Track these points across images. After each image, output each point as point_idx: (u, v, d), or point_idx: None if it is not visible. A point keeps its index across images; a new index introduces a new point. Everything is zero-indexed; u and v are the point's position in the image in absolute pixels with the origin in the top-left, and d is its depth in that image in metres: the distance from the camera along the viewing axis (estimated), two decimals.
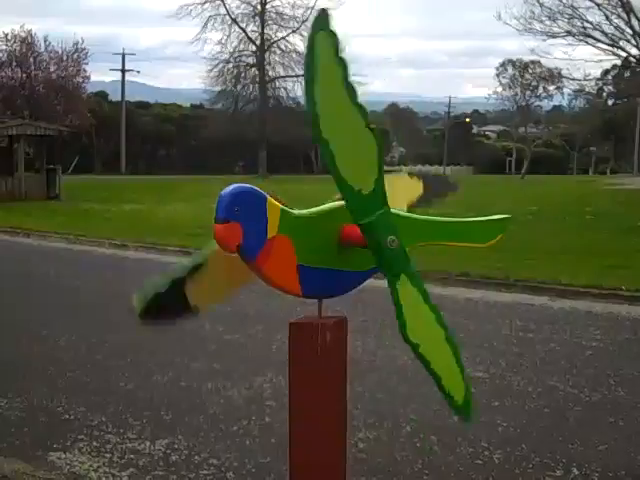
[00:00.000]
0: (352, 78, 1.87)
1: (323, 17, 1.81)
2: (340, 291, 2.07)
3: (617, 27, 25.13)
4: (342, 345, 2.02)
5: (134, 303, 2.19)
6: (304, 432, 1.94)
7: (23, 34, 34.82)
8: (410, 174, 2.49)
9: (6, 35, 34.78)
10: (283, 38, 49.67)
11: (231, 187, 1.87)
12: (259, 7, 48.78)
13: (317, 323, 1.99)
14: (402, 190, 2.34)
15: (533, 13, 25.72)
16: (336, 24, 1.85)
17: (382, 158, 1.93)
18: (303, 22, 48.65)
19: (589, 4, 24.90)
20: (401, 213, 2.11)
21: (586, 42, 25.87)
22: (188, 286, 2.13)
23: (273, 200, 1.93)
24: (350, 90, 1.85)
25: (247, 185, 1.91)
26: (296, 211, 1.99)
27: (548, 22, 25.67)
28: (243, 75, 50.12)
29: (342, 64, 1.83)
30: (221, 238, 1.83)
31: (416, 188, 2.43)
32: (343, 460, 1.97)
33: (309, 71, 1.80)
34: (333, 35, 1.82)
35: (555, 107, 64.27)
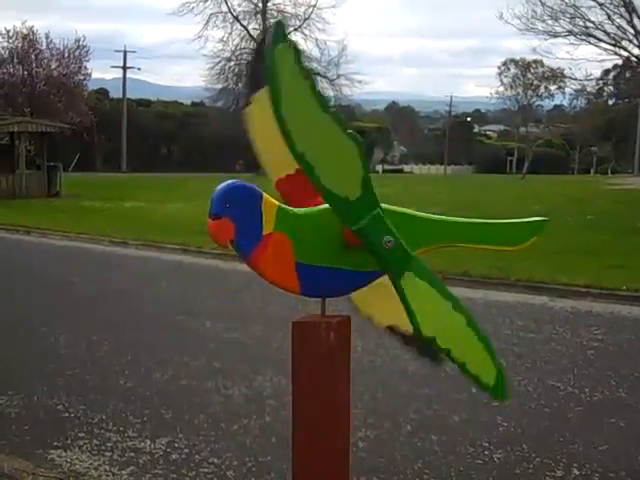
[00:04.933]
0: (319, 88, 1.82)
1: (279, 30, 1.76)
2: (342, 291, 2.05)
3: (619, 27, 25.09)
4: (346, 344, 2.01)
5: None
6: (308, 432, 1.93)
7: (25, 31, 34.82)
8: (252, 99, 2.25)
9: (8, 32, 34.78)
10: None
11: (224, 183, 1.89)
12: (261, 5, 48.80)
13: (321, 322, 1.98)
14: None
15: (535, 12, 25.66)
16: (289, 36, 1.80)
17: (365, 161, 1.87)
18: (305, 20, 48.70)
19: (591, 3, 24.86)
20: (425, 215, 2.07)
21: (588, 42, 25.82)
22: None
23: (270, 197, 1.93)
24: (319, 100, 1.80)
25: (240, 181, 1.91)
26: (297, 209, 1.99)
27: (550, 21, 25.62)
28: (245, 73, 50.14)
29: (305, 75, 1.78)
30: (212, 234, 1.86)
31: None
32: (346, 460, 1.96)
33: (273, 90, 1.76)
34: (291, 48, 1.77)
35: (556, 106, 64.28)
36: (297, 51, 1.78)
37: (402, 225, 1.97)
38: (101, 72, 59.21)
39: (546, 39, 26.20)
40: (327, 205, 2.04)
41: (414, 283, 1.92)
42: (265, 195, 1.92)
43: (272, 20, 48.68)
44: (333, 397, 1.95)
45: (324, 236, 1.95)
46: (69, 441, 4.53)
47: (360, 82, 49.64)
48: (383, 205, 2.03)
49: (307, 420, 1.95)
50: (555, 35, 25.76)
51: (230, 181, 1.91)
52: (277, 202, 1.94)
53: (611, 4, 24.72)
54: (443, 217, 2.08)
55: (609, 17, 25.01)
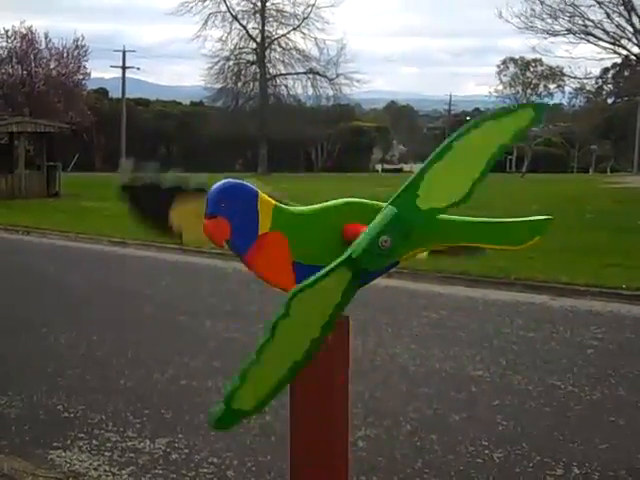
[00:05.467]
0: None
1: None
2: None
3: (618, 25, 25.13)
4: (344, 344, 2.00)
5: (120, 174, 2.10)
6: (305, 433, 1.93)
7: (23, 30, 34.80)
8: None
9: (6, 32, 34.77)
10: (284, 35, 49.74)
11: (219, 182, 1.88)
12: (259, 4, 48.81)
13: None
14: None
15: (534, 11, 25.71)
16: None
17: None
18: (304, 19, 48.73)
19: (590, 2, 24.90)
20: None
21: (587, 40, 25.88)
22: (177, 204, 2.06)
23: (266, 196, 1.92)
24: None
25: (236, 180, 1.90)
26: (293, 208, 1.98)
27: (549, 20, 25.67)
28: (243, 72, 50.18)
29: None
30: (208, 233, 1.85)
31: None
32: (345, 460, 1.96)
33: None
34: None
35: (555, 105, 64.26)
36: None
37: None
38: (100, 72, 59.19)
39: (545, 38, 26.27)
40: (324, 204, 2.04)
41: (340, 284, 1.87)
42: (261, 194, 1.91)
43: (271, 19, 48.65)
44: (331, 397, 1.95)
45: (321, 235, 1.95)
46: (69, 441, 4.53)
47: (359, 81, 49.70)
48: (384, 205, 2.01)
49: (305, 420, 1.95)
50: (554, 34, 25.81)
51: (225, 180, 1.90)
52: (273, 201, 1.94)
53: (610, 3, 24.78)
54: (444, 216, 2.06)
55: (608, 16, 25.06)
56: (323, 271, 1.82)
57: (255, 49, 49.50)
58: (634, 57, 27.52)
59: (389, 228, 1.86)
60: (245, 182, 1.92)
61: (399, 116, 76.94)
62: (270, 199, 1.93)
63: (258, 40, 49.17)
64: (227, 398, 1.79)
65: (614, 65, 41.72)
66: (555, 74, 48.54)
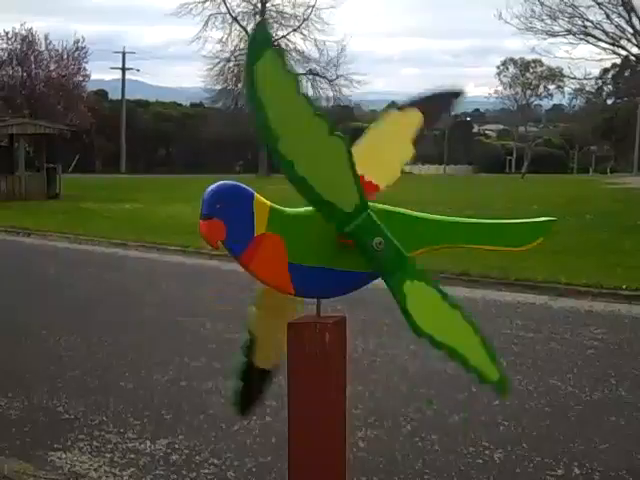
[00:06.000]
0: (302, 89, 1.78)
1: (261, 34, 1.78)
2: (338, 292, 2.04)
3: (618, 26, 25.14)
4: (341, 345, 2.00)
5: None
6: (304, 433, 1.93)
7: (24, 32, 34.86)
8: (401, 108, 2.22)
9: (7, 33, 34.82)
10: (284, 37, 49.71)
11: (215, 184, 1.89)
12: (259, 6, 48.83)
13: (316, 323, 1.98)
14: (400, 130, 2.18)
15: (534, 12, 25.73)
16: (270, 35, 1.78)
17: (353, 164, 1.85)
18: (304, 21, 48.75)
19: (590, 3, 24.91)
20: (428, 216, 2.05)
21: (587, 41, 25.89)
22: (256, 362, 2.25)
23: (262, 198, 1.93)
24: (304, 102, 1.79)
25: (231, 182, 1.91)
26: (289, 209, 1.98)
27: (549, 21, 25.69)
28: (243, 74, 50.18)
29: (290, 78, 1.77)
30: (203, 234, 1.86)
31: (415, 120, 2.23)
32: (343, 460, 1.96)
33: (254, 99, 1.75)
34: (274, 51, 1.77)
35: (555, 106, 64.38)
36: (279, 54, 1.79)
37: (405, 226, 1.97)
38: (100, 73, 59.31)
39: (545, 38, 26.28)
40: None
41: (407, 284, 1.92)
42: (257, 195, 1.91)
43: (271, 20, 48.67)
44: (328, 397, 1.96)
45: (318, 237, 1.95)
46: (69, 443, 4.53)
47: (359, 82, 49.68)
48: (386, 207, 2.02)
49: (303, 421, 1.95)
50: (554, 34, 25.81)
51: (221, 182, 1.91)
52: (269, 202, 1.94)
53: (609, 3, 24.78)
54: (447, 218, 2.06)
55: (607, 16, 25.06)
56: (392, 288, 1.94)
57: None
58: (634, 58, 27.54)
59: (391, 239, 1.91)
60: (241, 184, 1.92)
61: None
62: (266, 201, 1.93)
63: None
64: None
65: (614, 66, 41.79)
66: (555, 75, 48.57)
